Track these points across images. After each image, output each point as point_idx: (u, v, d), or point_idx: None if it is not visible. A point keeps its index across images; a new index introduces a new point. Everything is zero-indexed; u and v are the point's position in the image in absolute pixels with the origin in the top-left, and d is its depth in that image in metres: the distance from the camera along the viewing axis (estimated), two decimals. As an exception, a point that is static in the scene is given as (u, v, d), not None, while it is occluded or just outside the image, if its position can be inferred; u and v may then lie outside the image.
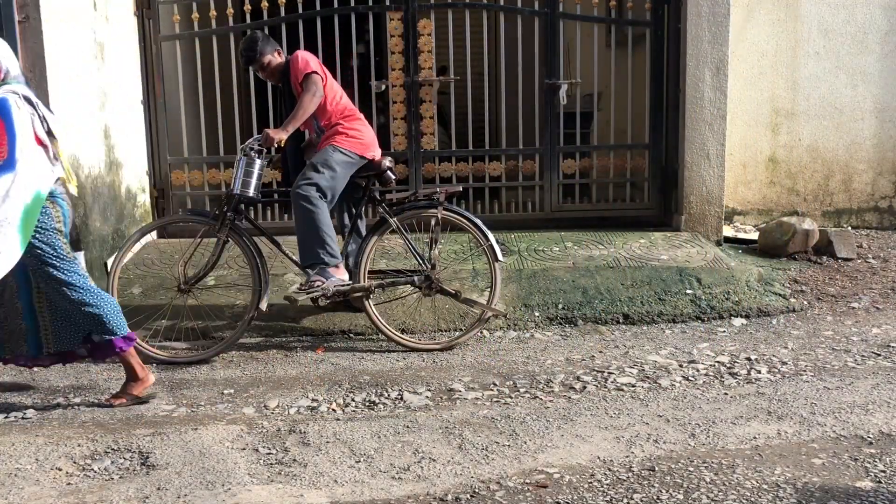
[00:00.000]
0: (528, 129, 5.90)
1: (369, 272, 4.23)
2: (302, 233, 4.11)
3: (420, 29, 5.67)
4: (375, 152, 4.30)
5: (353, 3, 5.69)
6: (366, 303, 4.16)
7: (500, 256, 4.16)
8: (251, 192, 4.09)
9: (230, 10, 5.73)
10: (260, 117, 5.80)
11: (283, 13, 5.64)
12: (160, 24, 5.70)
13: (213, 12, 5.59)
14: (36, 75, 4.50)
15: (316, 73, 4.11)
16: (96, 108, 5.11)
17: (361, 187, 4.32)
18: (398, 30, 5.68)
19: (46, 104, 4.54)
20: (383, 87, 5.79)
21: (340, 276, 4.11)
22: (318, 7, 5.70)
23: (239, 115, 5.83)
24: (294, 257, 4.22)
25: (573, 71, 5.95)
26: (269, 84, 5.71)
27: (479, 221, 4.18)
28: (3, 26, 4.43)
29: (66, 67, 4.73)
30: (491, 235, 4.15)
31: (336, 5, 5.68)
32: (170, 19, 5.70)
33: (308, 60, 4.15)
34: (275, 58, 4.29)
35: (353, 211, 4.42)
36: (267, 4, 5.64)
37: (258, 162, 4.11)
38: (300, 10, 5.64)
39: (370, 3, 5.72)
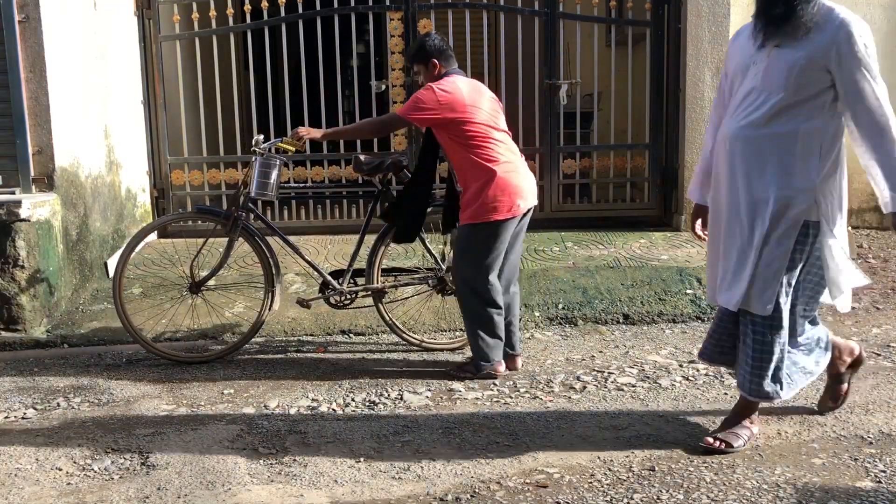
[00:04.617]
0: (528, 129, 5.90)
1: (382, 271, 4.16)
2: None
3: (420, 29, 5.67)
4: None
5: (353, 3, 5.69)
6: (378, 304, 4.14)
7: None
8: (269, 193, 3.94)
9: (230, 10, 5.73)
10: (260, 117, 5.81)
11: (283, 13, 5.64)
12: (160, 24, 5.70)
13: (213, 12, 5.59)
14: (36, 75, 4.50)
15: (405, 119, 3.67)
16: (96, 108, 5.12)
17: (377, 186, 4.15)
18: (398, 30, 5.68)
19: (47, 104, 4.56)
20: (383, 87, 5.79)
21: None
22: (318, 7, 5.70)
23: (239, 115, 5.83)
24: (308, 257, 4.16)
25: (573, 71, 5.95)
26: (269, 84, 5.73)
27: None
28: (3, 26, 4.43)
29: (67, 67, 4.73)
30: None
31: (336, 5, 5.68)
32: (170, 19, 5.70)
33: (421, 102, 3.58)
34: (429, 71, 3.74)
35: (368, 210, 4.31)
36: (267, 4, 5.64)
37: (276, 163, 3.95)
38: (300, 10, 5.65)
39: (370, 3, 5.72)
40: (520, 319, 4.00)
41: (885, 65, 6.10)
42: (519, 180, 3.61)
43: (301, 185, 5.81)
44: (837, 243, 2.80)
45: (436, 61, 3.69)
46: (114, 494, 2.68)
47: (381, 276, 4.13)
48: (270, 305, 4.05)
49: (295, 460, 2.91)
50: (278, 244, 4.13)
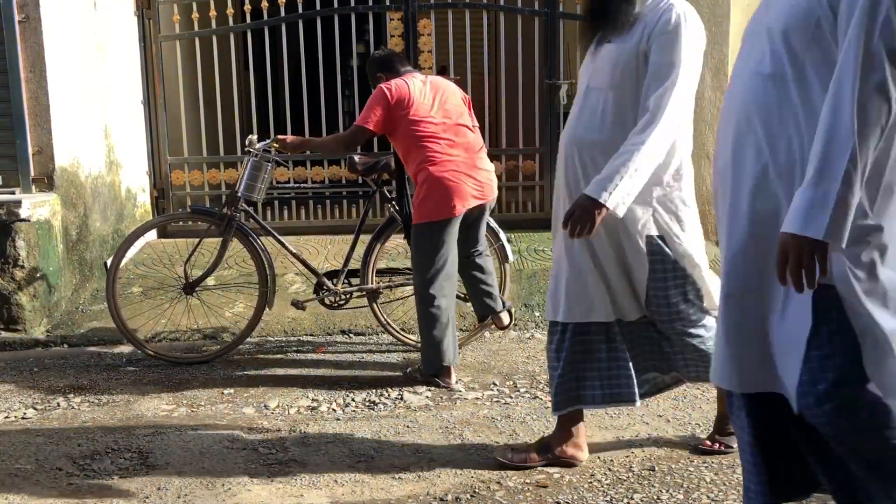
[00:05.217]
0: (528, 129, 5.90)
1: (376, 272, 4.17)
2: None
3: (420, 29, 5.67)
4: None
5: (353, 3, 5.69)
6: (373, 305, 4.14)
7: (510, 257, 4.13)
8: (255, 195, 3.98)
9: (230, 10, 5.73)
10: (260, 117, 5.81)
11: (283, 13, 5.64)
12: (160, 24, 5.70)
13: (213, 12, 5.59)
14: (36, 75, 4.51)
15: (365, 128, 3.62)
16: (96, 108, 5.12)
17: (372, 186, 4.18)
18: (398, 30, 5.68)
19: (47, 104, 4.56)
20: (383, 87, 5.78)
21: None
22: (318, 7, 5.70)
23: (239, 115, 5.83)
24: (304, 257, 4.16)
25: (573, 71, 5.95)
26: (269, 84, 5.73)
27: (490, 220, 4.06)
28: (3, 26, 4.43)
29: (67, 67, 4.73)
30: (503, 235, 4.11)
31: (336, 5, 5.68)
32: (170, 19, 5.71)
33: (369, 105, 3.61)
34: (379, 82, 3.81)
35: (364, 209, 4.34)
36: (267, 4, 5.64)
37: (267, 165, 3.98)
38: (300, 10, 5.64)
39: (370, 3, 5.72)
40: (500, 288, 4.02)
41: (885, 65, 6.11)
42: (456, 179, 3.54)
43: (300, 184, 5.81)
44: (692, 259, 2.64)
45: (380, 74, 3.78)
46: (114, 494, 2.68)
47: (377, 276, 4.13)
48: (265, 305, 4.05)
49: (295, 460, 2.91)
50: (275, 245, 4.13)
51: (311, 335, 4.44)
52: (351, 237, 4.18)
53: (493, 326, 4.06)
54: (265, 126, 5.67)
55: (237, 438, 3.10)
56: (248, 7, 5.68)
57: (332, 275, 4.14)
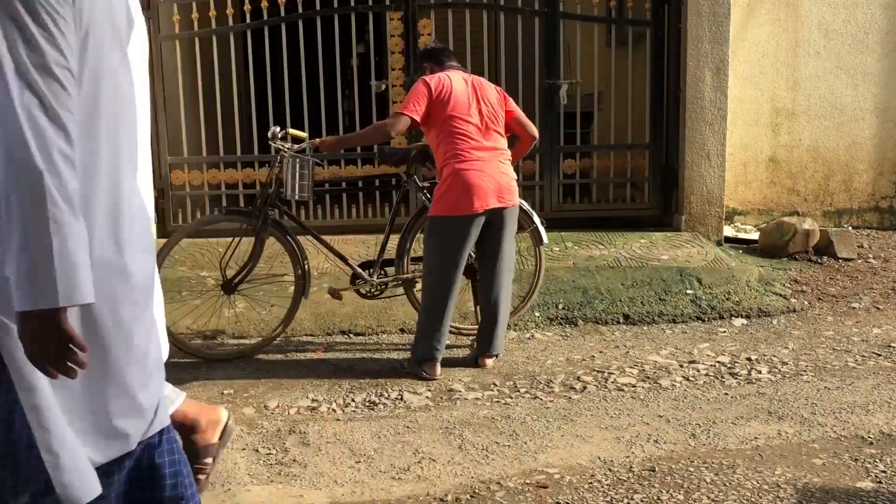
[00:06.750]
0: (528, 128, 5.88)
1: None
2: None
3: (420, 29, 5.67)
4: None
5: (353, 3, 5.68)
6: (409, 294, 4.15)
7: (544, 239, 4.12)
8: (305, 194, 3.94)
9: (230, 10, 5.73)
10: (260, 117, 5.80)
11: (283, 13, 5.63)
12: (160, 24, 5.70)
13: (212, 12, 5.58)
14: (36, 75, 4.50)
15: (410, 116, 3.65)
16: (96, 108, 5.11)
17: (403, 177, 4.22)
18: (398, 30, 5.68)
19: (46, 104, 4.55)
20: (383, 86, 5.79)
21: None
22: (318, 7, 5.69)
23: (239, 115, 5.83)
24: (336, 249, 4.17)
25: (573, 71, 5.95)
26: (269, 84, 5.72)
27: (524, 203, 4.02)
28: (2, 26, 4.43)
29: (66, 67, 4.72)
30: (536, 217, 4.08)
31: (336, 5, 5.68)
32: (170, 19, 5.70)
33: (412, 94, 3.69)
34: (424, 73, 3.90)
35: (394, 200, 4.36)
36: (267, 4, 5.64)
37: (309, 162, 3.94)
38: (300, 10, 5.64)
39: (370, 3, 5.71)
40: (507, 322, 3.97)
41: (885, 64, 6.13)
42: (478, 179, 3.61)
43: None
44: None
45: (426, 64, 3.90)
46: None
47: (412, 264, 4.14)
48: (299, 302, 4.07)
49: (295, 460, 2.91)
50: (308, 241, 4.15)
51: (311, 335, 4.44)
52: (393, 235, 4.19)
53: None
54: (265, 126, 5.65)
55: (237, 438, 3.10)
56: (248, 7, 5.67)
57: (367, 265, 4.16)
